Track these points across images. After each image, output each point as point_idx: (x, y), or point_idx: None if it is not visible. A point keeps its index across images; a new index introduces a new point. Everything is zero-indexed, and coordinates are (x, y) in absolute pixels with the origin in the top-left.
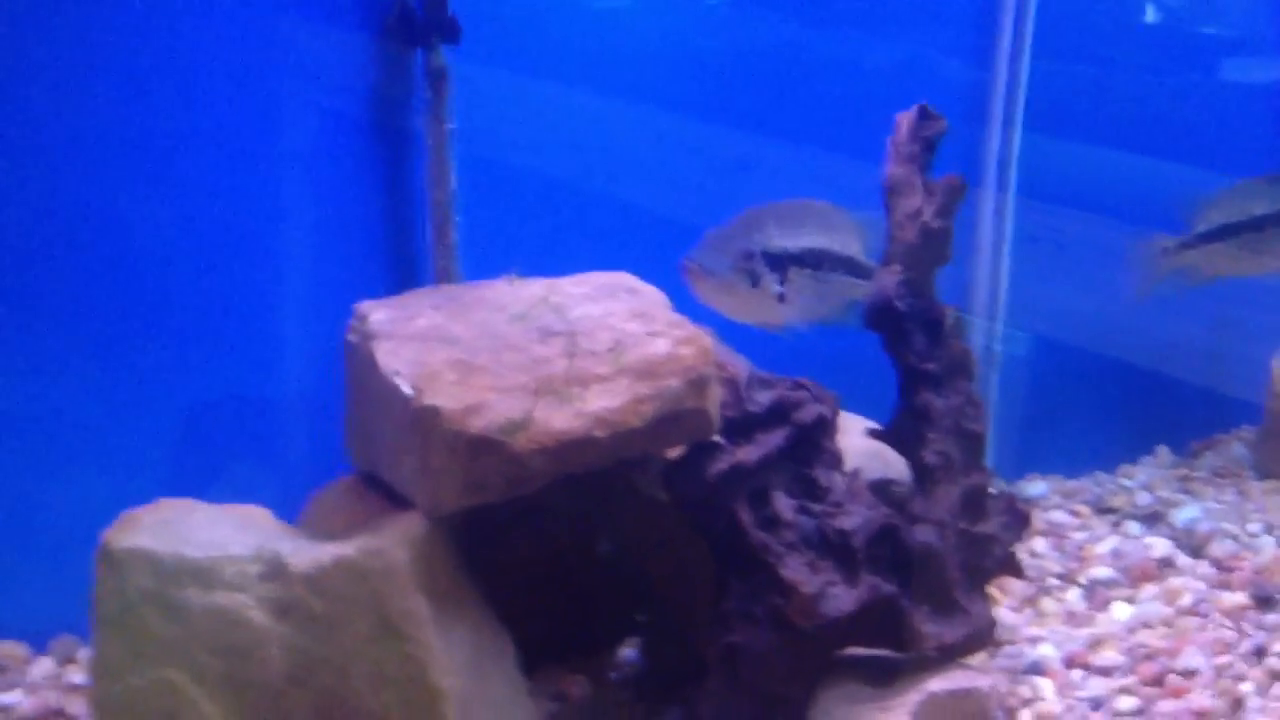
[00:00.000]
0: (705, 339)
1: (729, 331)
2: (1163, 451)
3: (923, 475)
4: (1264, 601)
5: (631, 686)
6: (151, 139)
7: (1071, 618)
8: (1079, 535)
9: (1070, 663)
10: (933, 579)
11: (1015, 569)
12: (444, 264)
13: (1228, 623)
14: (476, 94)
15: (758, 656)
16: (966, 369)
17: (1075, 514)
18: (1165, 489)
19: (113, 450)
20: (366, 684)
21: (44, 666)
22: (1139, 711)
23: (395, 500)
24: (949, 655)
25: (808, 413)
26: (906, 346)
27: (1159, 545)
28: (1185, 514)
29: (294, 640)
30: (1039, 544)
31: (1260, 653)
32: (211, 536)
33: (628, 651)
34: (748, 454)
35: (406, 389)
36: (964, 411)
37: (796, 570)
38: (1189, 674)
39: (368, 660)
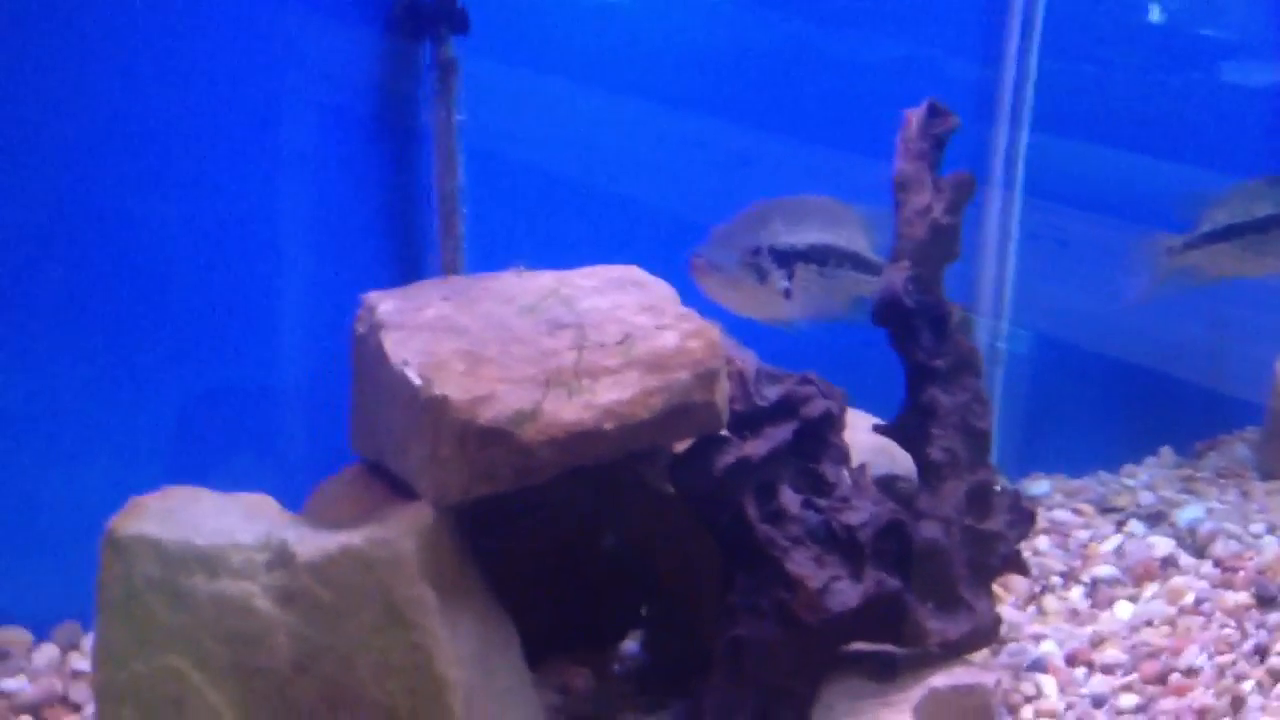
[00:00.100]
0: (714, 332)
1: (736, 326)
2: (1166, 451)
3: (928, 471)
4: (1266, 601)
5: (635, 679)
6: (158, 131)
7: (1074, 616)
8: (1082, 534)
9: (1073, 660)
10: (937, 575)
11: (1020, 566)
12: (450, 256)
13: (1230, 622)
14: (484, 87)
15: (762, 650)
16: (973, 366)
17: (1078, 513)
18: (1168, 489)
19: (117, 438)
20: (372, 673)
21: (47, 653)
22: (1141, 709)
23: (401, 490)
24: (953, 651)
25: (815, 408)
26: (914, 343)
27: (1162, 544)
28: (1188, 514)
29: (300, 629)
30: (1042, 542)
31: (1262, 652)
32: (218, 524)
33: (631, 645)
34: (755, 448)
35: (415, 379)
36: (970, 408)
37: (802, 565)
38: (1191, 672)
39: (374, 649)
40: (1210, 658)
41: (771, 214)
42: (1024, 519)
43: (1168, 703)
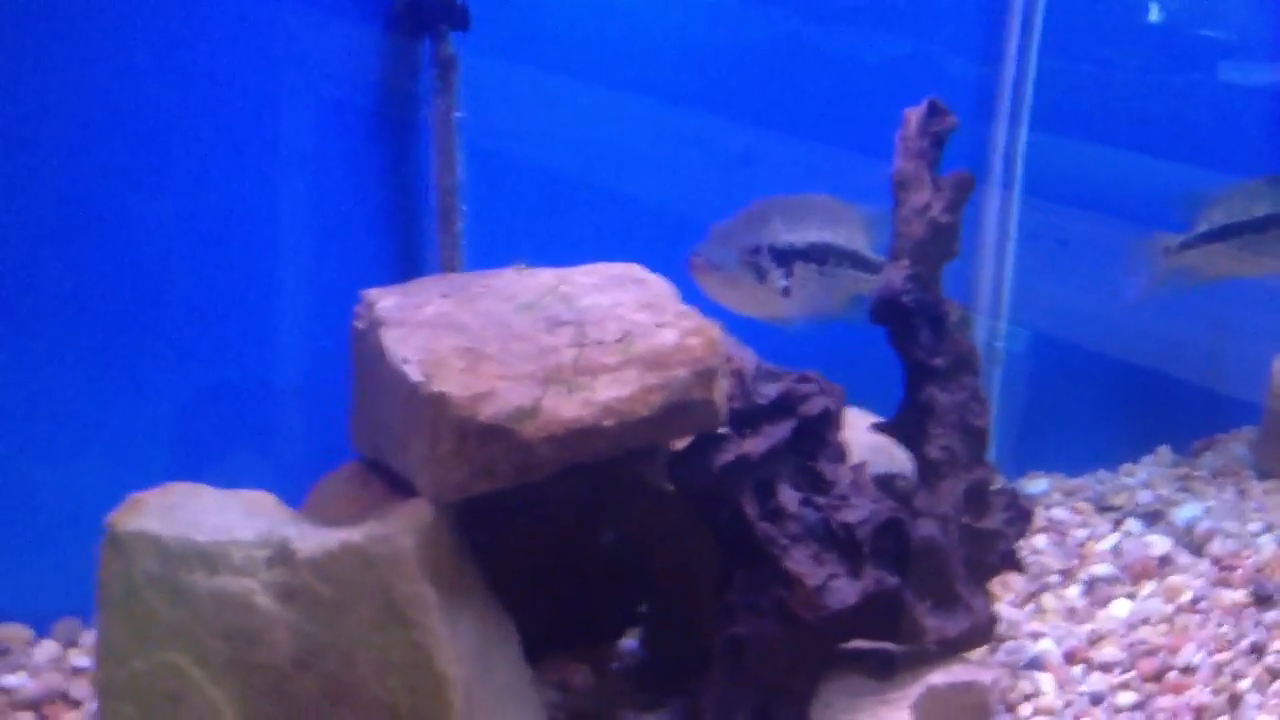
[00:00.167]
0: (713, 330)
1: (735, 324)
2: (1163, 450)
3: (927, 470)
4: (1263, 599)
5: (634, 676)
6: (157, 128)
7: (1072, 614)
8: (1080, 532)
9: (1070, 658)
10: (935, 573)
11: (1017, 565)
12: (449, 253)
13: (1227, 620)
14: (483, 84)
15: (761, 647)
16: (971, 365)
17: (1076, 511)
18: (1166, 487)
19: (117, 435)
20: (372, 670)
21: (47, 649)
22: (1138, 707)
23: (401, 487)
24: (950, 649)
25: (814, 406)
26: (912, 341)
27: (1159, 543)
28: (1186, 512)
29: (300, 625)
30: (1040, 541)
31: (1259, 650)
32: (218, 521)
33: (630, 642)
34: (754, 446)
35: (415, 376)
36: (968, 407)
37: (801, 562)
38: (1188, 670)
39: (373, 646)
40: (1208, 656)
41: (771, 213)
42: (1022, 517)
43: (1165, 700)
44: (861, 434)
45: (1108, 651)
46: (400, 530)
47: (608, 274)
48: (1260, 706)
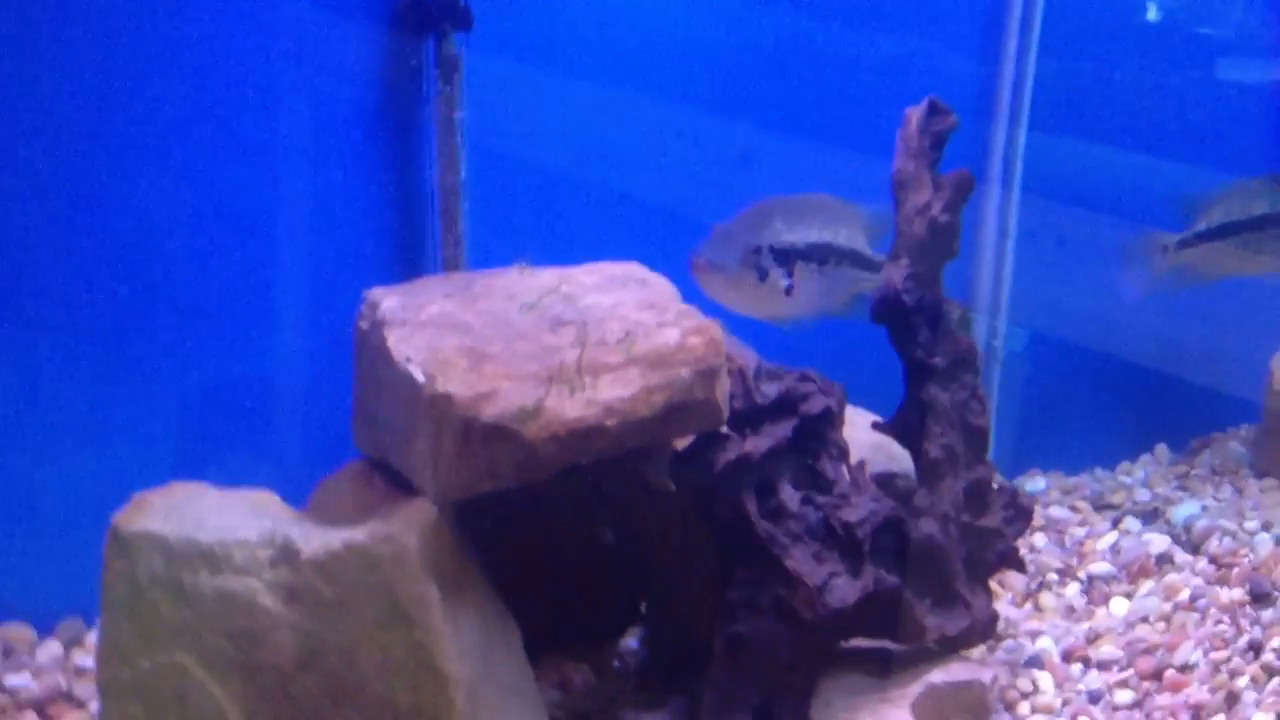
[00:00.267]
0: (715, 330)
1: (735, 323)
2: (1161, 449)
3: (927, 469)
4: (1260, 598)
5: (635, 675)
6: (161, 127)
7: (1070, 612)
8: (1078, 531)
9: (1069, 656)
10: (935, 572)
11: (1017, 563)
12: (451, 252)
13: (1225, 618)
14: (486, 84)
15: (762, 646)
16: (971, 364)
17: (1075, 510)
18: (1164, 486)
19: (120, 435)
20: (375, 669)
21: (51, 649)
22: (1136, 705)
23: (404, 487)
24: (950, 648)
25: (814, 405)
26: (912, 340)
27: (1157, 541)
28: (1184, 511)
29: (303, 625)
30: (1039, 539)
31: (1256, 648)
32: (222, 521)
33: (631, 641)
34: (755, 445)
35: (419, 376)
36: (968, 406)
37: (801, 561)
38: (1186, 668)
39: (377, 645)
40: (1205, 654)
41: (771, 213)
42: (1021, 516)
43: (1163, 698)
44: (862, 433)
45: (1106, 650)
46: (403, 530)
47: (609, 273)
48: (1257, 704)
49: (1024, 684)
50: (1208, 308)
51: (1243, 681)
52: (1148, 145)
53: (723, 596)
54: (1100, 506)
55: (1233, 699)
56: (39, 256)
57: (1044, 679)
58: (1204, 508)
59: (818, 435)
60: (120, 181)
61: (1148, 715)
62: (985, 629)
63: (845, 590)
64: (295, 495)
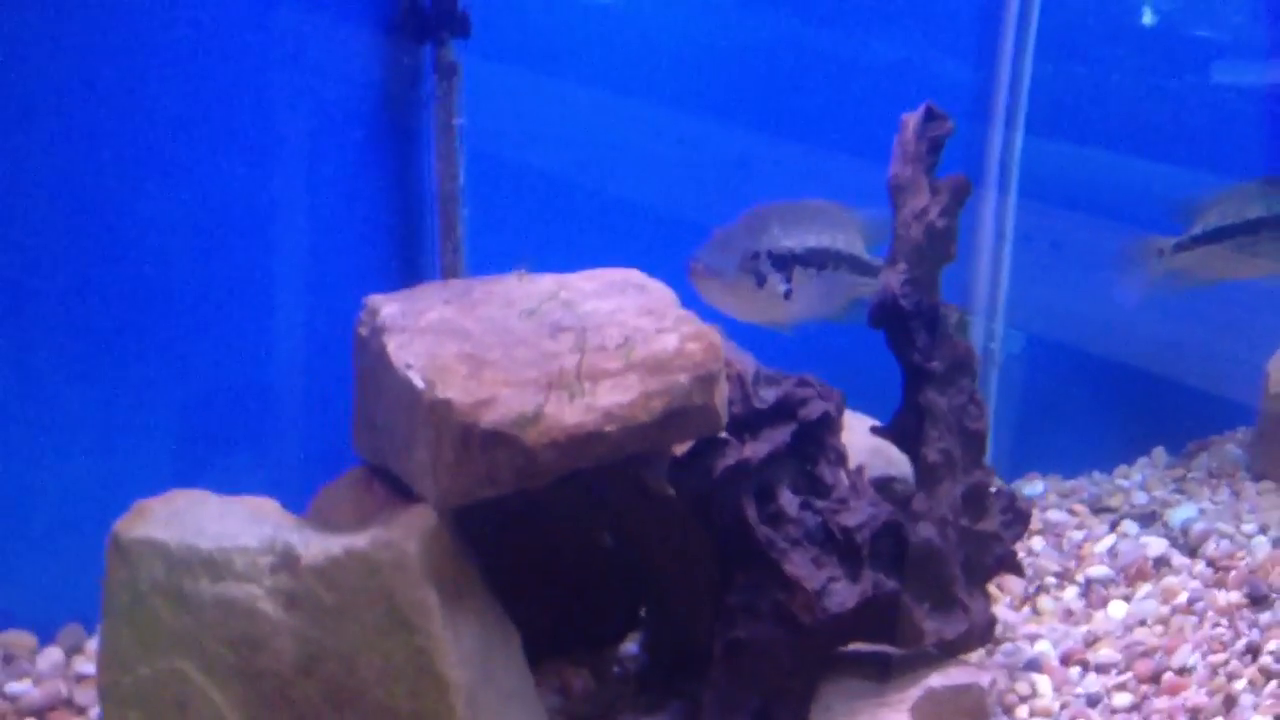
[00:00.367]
0: (714, 335)
1: (734, 328)
2: (1158, 452)
3: (925, 473)
4: (1258, 600)
5: (634, 680)
6: (160, 134)
7: (1069, 616)
8: (1076, 534)
9: (1067, 660)
10: (934, 576)
11: (1015, 567)
12: (450, 259)
13: (1222, 621)
14: (485, 90)
15: (761, 651)
16: (969, 368)
17: (1072, 513)
18: (1161, 489)
19: (119, 442)
20: (375, 675)
21: (52, 656)
22: (1134, 708)
23: (403, 493)
24: (949, 651)
25: (813, 410)
26: (910, 344)
27: (1155, 545)
28: (1181, 514)
29: (304, 631)
30: (1037, 543)
31: (1254, 651)
32: (222, 528)
33: (630, 646)
34: (754, 450)
35: (419, 382)
36: (966, 410)
37: (800, 566)
38: (1184, 671)
39: (377, 651)
40: (1203, 657)
41: (769, 218)
42: (1019, 519)
43: (1161, 701)
44: (860, 437)
45: (1104, 653)
46: (404, 536)
47: (608, 279)
48: (1255, 707)
49: (1022, 687)
50: (1204, 311)
51: (1240, 684)
52: (1144, 149)
53: (722, 601)
54: (1098, 510)
55: (1230, 702)
56: (38, 263)
57: (1042, 682)
58: (1201, 511)
59: (816, 440)
60: (119, 187)
61: (1146, 718)
62: (984, 633)
63: (844, 594)
64: (294, 501)
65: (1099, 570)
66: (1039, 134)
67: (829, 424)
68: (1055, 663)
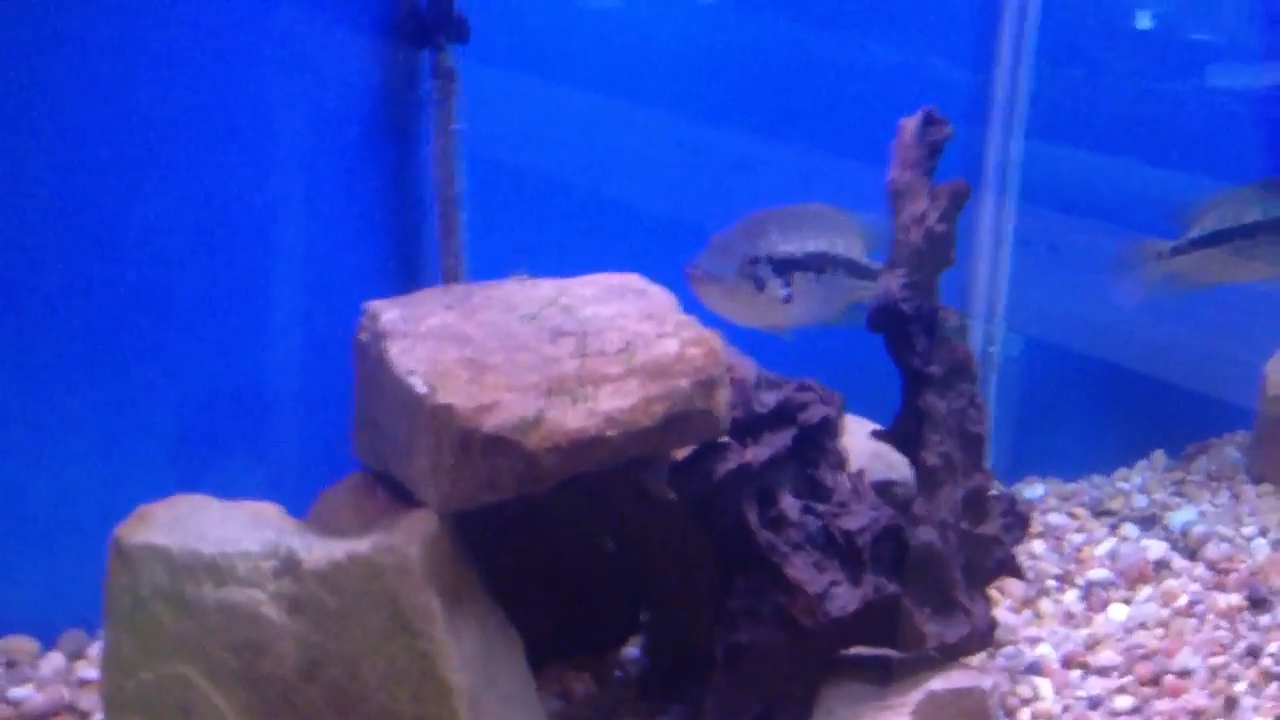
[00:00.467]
0: (714, 340)
1: (734, 333)
2: (1158, 455)
3: (925, 476)
4: (1258, 603)
5: (636, 685)
6: (159, 139)
7: (1069, 619)
8: (1076, 537)
9: (1068, 663)
10: (935, 579)
11: (1016, 570)
12: (450, 264)
13: (1223, 624)
14: (483, 95)
15: (762, 655)
16: (969, 371)
17: (1073, 516)
18: (1161, 492)
19: (121, 447)
20: (378, 679)
21: (54, 662)
22: (1135, 710)
23: (405, 497)
24: (950, 655)
25: (813, 414)
26: (910, 349)
27: (1155, 547)
28: (1181, 517)
29: (306, 636)
30: (1037, 546)
31: (1254, 653)
32: (224, 533)
33: (632, 650)
34: (755, 454)
35: (420, 387)
36: (966, 414)
37: (801, 570)
38: (1185, 674)
39: (380, 656)
40: (1204, 659)
41: (768, 223)
42: (1020, 523)
43: (1162, 704)
44: (860, 441)
45: (1105, 656)
46: (406, 540)
47: (608, 284)
48: (1256, 709)
49: (1024, 690)
50: (1202, 314)
51: (1241, 686)
52: (1141, 152)
53: (723, 605)
54: (1098, 513)
55: (1231, 704)
56: (38, 265)
57: (1044, 685)
58: (1201, 513)
59: (817, 444)
60: (119, 190)
61: None
62: (985, 636)
63: (845, 598)
64: (294, 505)
65: (1099, 573)
66: (1037, 138)
67: (829, 428)
68: (1056, 665)
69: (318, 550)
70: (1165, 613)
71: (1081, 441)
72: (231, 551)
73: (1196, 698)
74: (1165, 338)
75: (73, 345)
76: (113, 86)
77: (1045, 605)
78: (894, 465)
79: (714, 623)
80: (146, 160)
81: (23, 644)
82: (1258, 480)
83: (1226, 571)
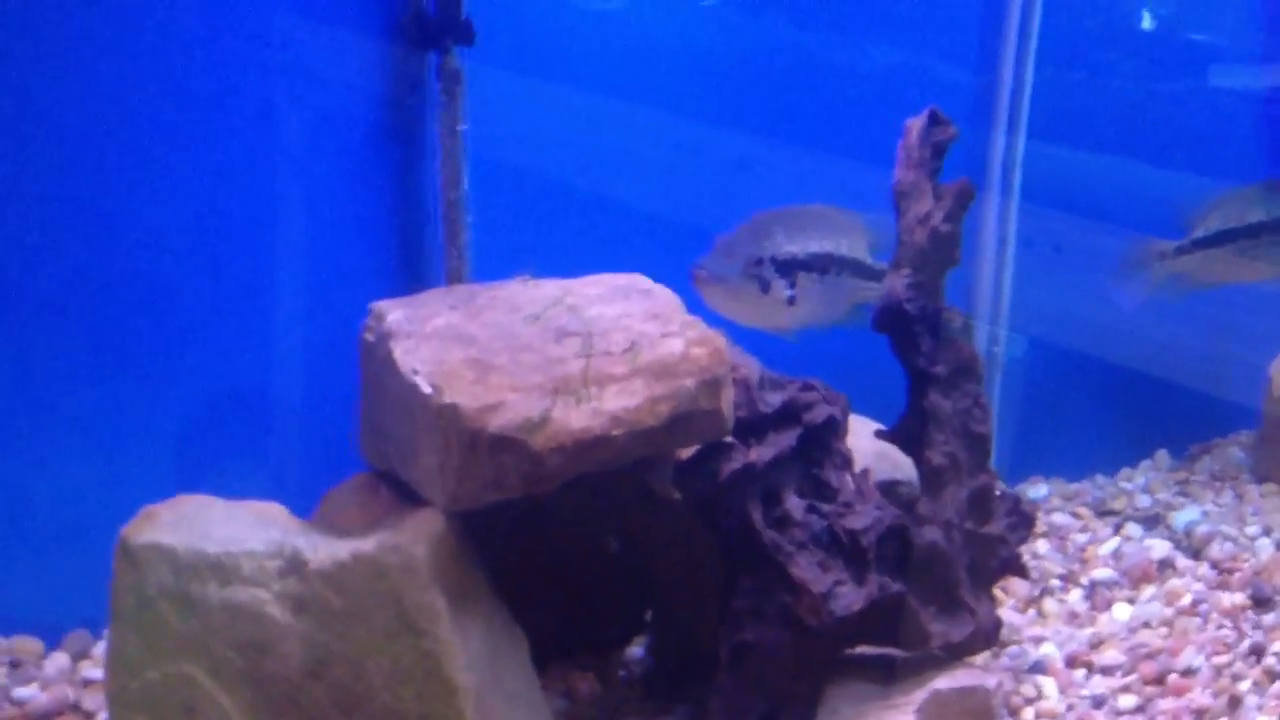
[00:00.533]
0: (719, 340)
1: (739, 333)
2: (1161, 455)
3: (930, 476)
4: (1262, 602)
5: (640, 684)
6: (163, 141)
7: (1073, 618)
8: (1080, 537)
9: (1072, 662)
10: (939, 579)
11: (1020, 569)
12: (455, 264)
13: (1226, 623)
14: (488, 97)
15: (767, 654)
16: (973, 371)
17: (1077, 516)
18: (1164, 492)
19: (125, 447)
20: (383, 679)
21: (58, 661)
22: (1139, 710)
23: (410, 497)
24: (954, 654)
25: (818, 414)
26: (914, 349)
27: (1159, 547)
28: (1184, 516)
29: (312, 635)
30: (1041, 546)
31: (1258, 652)
32: (229, 532)
33: (636, 650)
34: (759, 454)
35: (426, 387)
36: (971, 413)
37: (806, 569)
38: (1188, 673)
39: (385, 655)
40: (1207, 658)
41: (773, 223)
42: (1024, 522)
43: (1166, 703)
44: (865, 441)
45: (1109, 655)
46: (411, 540)
47: (613, 285)
48: (1260, 708)
49: (1028, 690)
50: (1206, 314)
51: (1245, 685)
52: (1145, 153)
53: (728, 605)
54: (1102, 513)
55: (1235, 703)
56: (42, 268)
57: (1048, 684)
58: (1205, 513)
59: (822, 444)
60: (122, 193)
61: (1151, 719)
62: (989, 635)
63: (850, 598)
64: (299, 505)
65: (1103, 573)
66: (1041, 138)
67: (834, 428)
68: (1060, 665)
69: (323, 550)
70: (1169, 612)
71: (1085, 441)
72: (236, 551)
73: (1200, 697)
74: (1169, 338)
75: (77, 346)
76: (115, 88)
77: (1049, 605)
78: (899, 465)
79: (719, 622)
80: (151, 162)
81: (27, 644)
82: (1261, 480)
83: (1230, 571)
